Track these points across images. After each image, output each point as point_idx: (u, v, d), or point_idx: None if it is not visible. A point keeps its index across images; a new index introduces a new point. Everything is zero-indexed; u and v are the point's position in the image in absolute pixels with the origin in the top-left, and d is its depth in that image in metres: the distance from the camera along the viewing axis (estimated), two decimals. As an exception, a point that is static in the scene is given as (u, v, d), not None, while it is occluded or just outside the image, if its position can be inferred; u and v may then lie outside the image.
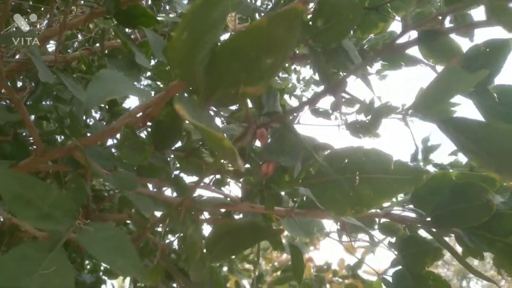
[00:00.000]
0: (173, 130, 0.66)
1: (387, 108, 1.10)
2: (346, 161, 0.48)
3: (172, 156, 0.76)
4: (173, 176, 0.78)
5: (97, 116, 1.23)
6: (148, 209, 0.49)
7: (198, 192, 0.80)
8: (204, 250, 0.40)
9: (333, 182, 0.50)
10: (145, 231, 0.49)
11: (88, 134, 0.83)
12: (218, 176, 0.80)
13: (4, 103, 1.04)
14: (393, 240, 0.74)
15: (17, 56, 1.03)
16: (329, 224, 0.94)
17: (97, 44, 1.21)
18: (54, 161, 0.89)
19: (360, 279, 1.63)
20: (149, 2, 1.23)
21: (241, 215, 0.73)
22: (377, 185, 0.45)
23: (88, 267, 1.69)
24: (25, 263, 0.36)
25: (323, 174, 0.52)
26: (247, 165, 0.69)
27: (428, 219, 0.61)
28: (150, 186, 0.79)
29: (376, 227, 0.79)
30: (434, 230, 0.58)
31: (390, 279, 0.72)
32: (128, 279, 1.81)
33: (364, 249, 1.63)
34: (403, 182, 0.44)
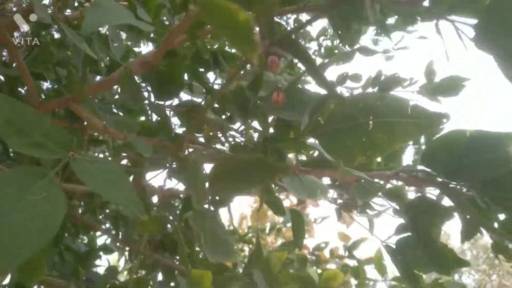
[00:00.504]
0: (173, 80, 0.63)
1: (394, 80, 1.07)
2: (360, 106, 0.45)
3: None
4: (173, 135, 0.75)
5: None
6: (147, 150, 0.46)
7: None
8: (207, 185, 0.38)
9: (344, 129, 0.47)
10: (143, 172, 0.47)
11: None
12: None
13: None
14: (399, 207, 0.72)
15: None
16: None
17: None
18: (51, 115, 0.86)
19: (357, 260, 1.62)
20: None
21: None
22: (392, 129, 0.42)
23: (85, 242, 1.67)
24: (13, 187, 0.34)
25: (333, 122, 0.49)
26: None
27: (440, 179, 0.59)
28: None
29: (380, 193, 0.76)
30: (446, 188, 0.55)
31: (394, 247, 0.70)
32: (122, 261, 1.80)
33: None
34: (421, 126, 0.41)
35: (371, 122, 0.43)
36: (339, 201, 0.99)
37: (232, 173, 0.37)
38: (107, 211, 1.55)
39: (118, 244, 1.56)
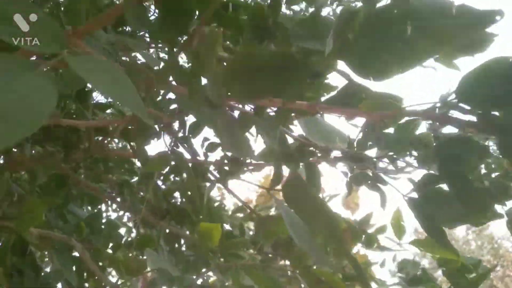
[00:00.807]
0: (182, 8, 0.57)
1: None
2: (395, 11, 0.39)
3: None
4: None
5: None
6: (156, 63, 0.41)
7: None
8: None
9: (377, 42, 0.41)
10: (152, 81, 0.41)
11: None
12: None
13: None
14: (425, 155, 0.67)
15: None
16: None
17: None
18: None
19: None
20: None
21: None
22: (435, 33, 0.36)
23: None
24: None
25: (364, 36, 0.43)
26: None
27: (474, 118, 0.53)
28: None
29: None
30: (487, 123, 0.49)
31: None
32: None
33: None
34: (470, 26, 0.35)
35: (409, 26, 0.37)
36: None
37: (252, 71, 0.31)
38: (113, 178, 1.51)
39: (123, 212, 1.53)
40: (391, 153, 0.75)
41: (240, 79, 0.32)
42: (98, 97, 1.64)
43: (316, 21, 0.52)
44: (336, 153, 0.86)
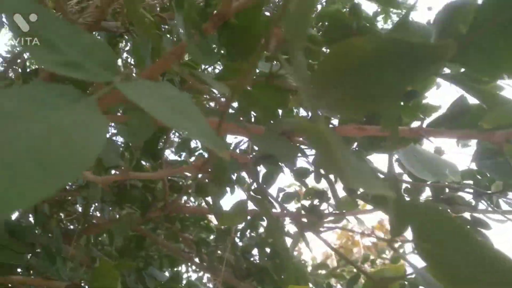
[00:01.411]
0: (249, 36, 0.51)
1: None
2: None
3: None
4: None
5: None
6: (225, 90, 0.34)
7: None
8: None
9: (499, 27, 0.31)
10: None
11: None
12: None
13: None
14: None
15: None
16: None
17: None
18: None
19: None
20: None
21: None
22: None
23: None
24: (35, 104, 0.23)
25: (481, 25, 0.33)
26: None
27: None
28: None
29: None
30: None
31: None
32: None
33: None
34: None
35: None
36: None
37: (355, 70, 0.22)
38: (190, 236, 1.46)
39: (198, 270, 1.45)
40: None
41: (338, 81, 0.23)
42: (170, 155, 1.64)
43: (407, 26, 0.43)
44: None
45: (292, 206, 1.51)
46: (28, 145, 0.21)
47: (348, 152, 0.23)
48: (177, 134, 1.59)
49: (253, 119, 0.73)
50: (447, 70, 0.41)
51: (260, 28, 0.50)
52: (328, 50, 0.50)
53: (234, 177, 0.90)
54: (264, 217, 1.48)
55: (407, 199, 0.68)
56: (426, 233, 0.23)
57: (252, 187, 1.11)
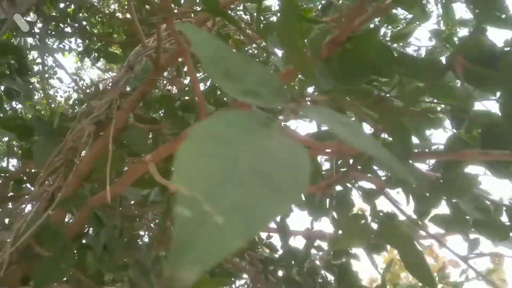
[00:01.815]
0: (363, 62, 0.53)
1: None
2: None
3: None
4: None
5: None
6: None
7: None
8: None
9: None
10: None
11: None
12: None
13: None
14: None
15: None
16: None
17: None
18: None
19: None
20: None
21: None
22: None
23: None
24: (239, 130, 0.25)
25: None
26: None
27: None
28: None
29: None
30: None
31: None
32: None
33: None
34: None
35: None
36: None
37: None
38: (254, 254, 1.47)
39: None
40: None
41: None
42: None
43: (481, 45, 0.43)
44: None
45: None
46: (250, 166, 0.23)
47: None
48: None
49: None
50: None
51: (375, 54, 0.51)
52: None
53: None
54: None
55: None
56: None
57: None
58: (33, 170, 1.28)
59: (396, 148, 0.44)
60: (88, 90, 2.05)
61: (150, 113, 1.07)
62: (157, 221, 1.57)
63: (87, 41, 3.10)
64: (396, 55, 0.51)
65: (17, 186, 1.34)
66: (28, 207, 0.90)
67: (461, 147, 0.51)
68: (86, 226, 1.00)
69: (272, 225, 1.40)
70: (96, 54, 3.17)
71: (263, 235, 1.54)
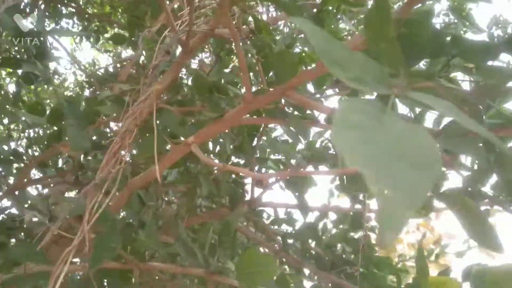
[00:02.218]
0: (416, 44, 0.55)
1: None
2: None
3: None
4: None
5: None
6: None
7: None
8: None
9: None
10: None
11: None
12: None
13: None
14: None
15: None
16: None
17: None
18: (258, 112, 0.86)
19: None
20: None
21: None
22: None
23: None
24: (365, 117, 0.28)
25: None
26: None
27: None
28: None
29: None
30: None
31: None
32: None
33: None
34: None
35: None
36: None
37: None
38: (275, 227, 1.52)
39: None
40: None
41: None
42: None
43: None
44: None
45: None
46: (390, 149, 0.26)
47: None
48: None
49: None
50: None
51: (429, 37, 0.54)
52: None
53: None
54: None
55: None
56: None
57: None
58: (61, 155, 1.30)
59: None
60: (98, 73, 2.04)
61: (177, 96, 1.10)
62: (176, 199, 1.61)
63: (85, 22, 3.05)
64: (450, 38, 0.54)
65: (42, 170, 1.36)
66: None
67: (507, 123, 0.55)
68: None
69: (292, 200, 1.46)
70: (95, 35, 3.13)
71: (281, 211, 1.59)
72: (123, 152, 0.79)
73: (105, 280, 0.89)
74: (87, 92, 2.52)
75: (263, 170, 1.56)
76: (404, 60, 0.56)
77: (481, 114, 0.46)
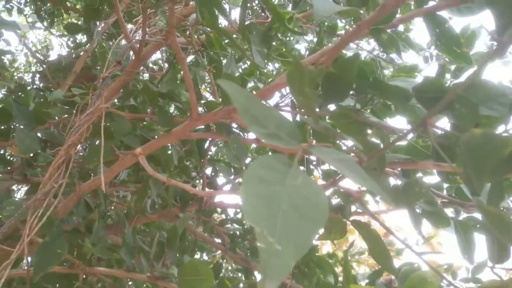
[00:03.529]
0: (343, 83, 0.62)
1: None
2: None
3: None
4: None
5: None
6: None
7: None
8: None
9: None
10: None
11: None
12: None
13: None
14: None
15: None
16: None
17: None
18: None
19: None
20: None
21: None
22: None
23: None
24: (272, 172, 0.34)
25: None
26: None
27: None
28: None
29: None
30: None
31: None
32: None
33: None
34: None
35: None
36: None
37: None
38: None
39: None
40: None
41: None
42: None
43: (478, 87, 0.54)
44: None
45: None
46: (286, 202, 0.32)
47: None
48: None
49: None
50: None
51: (355, 77, 0.60)
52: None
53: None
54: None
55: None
56: None
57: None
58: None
59: (372, 163, 0.55)
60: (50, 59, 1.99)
61: (127, 102, 1.11)
62: (128, 198, 1.63)
63: (38, 3, 2.94)
64: (372, 79, 0.61)
65: (-13, 166, 1.33)
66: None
67: (417, 157, 0.63)
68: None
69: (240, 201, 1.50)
70: (49, 20, 3.02)
71: (231, 211, 1.65)
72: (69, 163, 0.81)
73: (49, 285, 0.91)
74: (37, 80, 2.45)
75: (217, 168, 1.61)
76: (327, 100, 0.63)
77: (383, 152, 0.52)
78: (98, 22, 1.92)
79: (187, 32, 1.11)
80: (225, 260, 2.02)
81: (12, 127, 1.20)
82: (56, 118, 1.12)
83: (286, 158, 0.36)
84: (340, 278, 1.54)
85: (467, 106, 0.48)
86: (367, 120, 0.66)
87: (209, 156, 1.48)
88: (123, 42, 1.22)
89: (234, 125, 0.89)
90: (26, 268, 0.84)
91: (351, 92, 0.64)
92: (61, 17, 3.09)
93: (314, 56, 0.65)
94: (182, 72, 1.28)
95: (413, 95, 0.57)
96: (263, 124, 0.38)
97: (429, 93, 0.53)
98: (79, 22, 2.57)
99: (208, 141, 1.40)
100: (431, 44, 1.54)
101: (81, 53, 2.10)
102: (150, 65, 1.47)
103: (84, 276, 0.91)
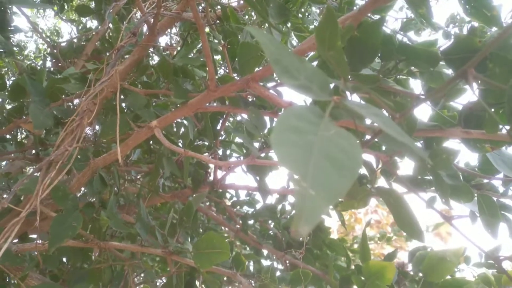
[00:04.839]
0: (369, 47, 0.60)
1: None
2: None
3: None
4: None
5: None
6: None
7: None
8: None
9: None
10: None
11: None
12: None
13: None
14: None
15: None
16: None
17: None
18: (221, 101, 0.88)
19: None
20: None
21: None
22: None
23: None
24: (304, 122, 0.32)
25: None
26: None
27: None
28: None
29: None
30: None
31: None
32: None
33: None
34: None
35: None
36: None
37: None
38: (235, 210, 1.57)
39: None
40: None
41: None
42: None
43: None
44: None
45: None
46: (319, 150, 0.30)
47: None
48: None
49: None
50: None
51: (379, 42, 0.58)
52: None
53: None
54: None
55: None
56: None
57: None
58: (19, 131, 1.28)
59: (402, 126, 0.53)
60: (62, 45, 1.98)
61: (141, 78, 1.10)
62: (140, 178, 1.62)
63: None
64: (398, 44, 0.58)
65: (1, 145, 1.33)
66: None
67: (444, 125, 0.61)
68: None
69: (253, 183, 1.51)
70: (59, 3, 3.01)
71: (243, 193, 1.64)
72: (85, 130, 0.80)
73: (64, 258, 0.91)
74: (48, 63, 2.45)
75: (228, 152, 1.60)
76: (351, 65, 0.61)
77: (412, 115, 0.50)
78: (109, 4, 1.90)
79: (202, 5, 1.09)
80: (235, 244, 2.01)
81: (25, 104, 1.20)
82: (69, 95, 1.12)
83: (318, 109, 0.35)
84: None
85: (502, 64, 0.45)
86: (391, 88, 0.64)
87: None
88: (135, 19, 1.21)
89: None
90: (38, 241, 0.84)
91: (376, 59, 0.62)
92: (71, 3, 3.07)
93: (339, 19, 0.63)
94: (195, 49, 1.26)
95: (441, 58, 0.55)
96: (294, 75, 0.37)
97: (460, 54, 0.51)
98: (90, 4, 2.56)
99: (220, 123, 1.39)
100: (451, 19, 1.49)
101: (92, 36, 2.08)
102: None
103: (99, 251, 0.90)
